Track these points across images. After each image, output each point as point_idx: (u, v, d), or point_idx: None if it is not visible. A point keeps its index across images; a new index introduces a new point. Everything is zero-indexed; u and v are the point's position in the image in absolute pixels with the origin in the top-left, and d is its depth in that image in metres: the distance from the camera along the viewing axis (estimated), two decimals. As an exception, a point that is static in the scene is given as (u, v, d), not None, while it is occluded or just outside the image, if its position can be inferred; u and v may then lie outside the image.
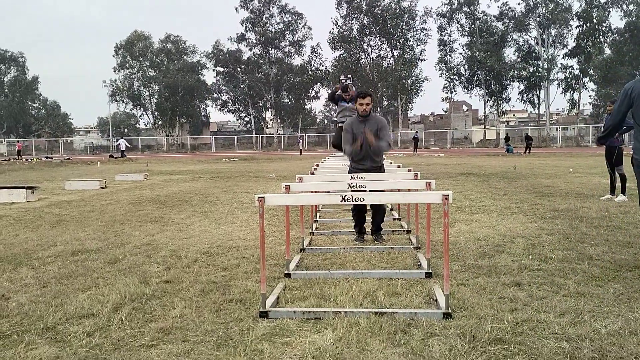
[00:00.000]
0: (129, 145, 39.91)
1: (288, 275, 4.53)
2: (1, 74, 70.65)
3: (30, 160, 36.01)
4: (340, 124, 7.64)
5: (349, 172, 6.02)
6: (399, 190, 5.79)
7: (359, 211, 6.05)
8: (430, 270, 4.48)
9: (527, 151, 35.11)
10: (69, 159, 38.79)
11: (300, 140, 53.32)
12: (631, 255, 4.99)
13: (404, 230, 6.64)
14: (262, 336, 3.18)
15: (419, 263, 4.89)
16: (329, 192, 4.86)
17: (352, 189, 4.76)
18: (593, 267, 4.59)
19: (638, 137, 4.58)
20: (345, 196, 3.67)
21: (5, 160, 37.48)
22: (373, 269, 4.71)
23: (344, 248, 5.58)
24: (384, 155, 6.34)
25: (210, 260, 5.23)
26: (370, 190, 4.62)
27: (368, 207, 6.14)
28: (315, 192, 5.26)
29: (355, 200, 3.67)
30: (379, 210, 6.02)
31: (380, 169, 6.05)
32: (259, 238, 3.75)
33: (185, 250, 5.70)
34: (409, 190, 5.35)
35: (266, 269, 4.09)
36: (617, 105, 4.79)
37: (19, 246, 6.06)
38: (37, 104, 75.91)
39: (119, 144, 41.53)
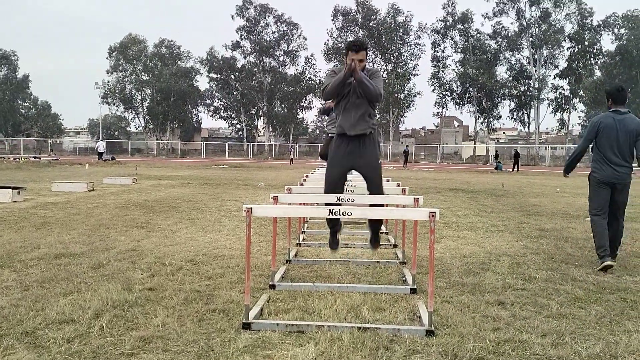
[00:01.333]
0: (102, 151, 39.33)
1: (273, 286, 4.51)
2: (-8, 72, 70.17)
3: (17, 159, 35.67)
4: (331, 135, 7.40)
5: (330, 140, 5.12)
6: (386, 205, 5.80)
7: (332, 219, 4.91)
8: (415, 287, 4.49)
9: (516, 168, 35.39)
10: (57, 159, 38.48)
11: (292, 150, 53.34)
12: (614, 278, 5.03)
13: (390, 245, 6.65)
14: (244, 348, 3.16)
15: (404, 278, 4.90)
16: (317, 204, 4.86)
17: (341, 202, 4.77)
18: (576, 288, 4.62)
19: (597, 160, 5.63)
20: (333, 210, 3.67)
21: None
22: (358, 283, 4.71)
23: (330, 260, 5.57)
24: (374, 120, 4.81)
25: (195, 268, 5.20)
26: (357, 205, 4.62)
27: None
28: (304, 204, 5.25)
29: (343, 214, 3.68)
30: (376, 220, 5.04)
31: (372, 137, 4.75)
32: (245, 248, 3.74)
33: (170, 257, 5.66)
34: (397, 205, 5.36)
35: (251, 280, 4.07)
36: (585, 135, 5.81)
37: (1, 247, 5.98)
38: (27, 103, 75.40)
39: (97, 147, 40.97)
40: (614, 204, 5.63)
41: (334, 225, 5.02)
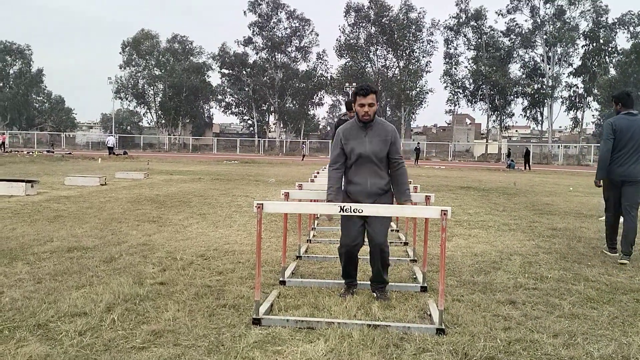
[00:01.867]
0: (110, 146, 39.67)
1: (283, 282, 4.52)
2: (7, 66, 70.85)
3: (31, 153, 36.02)
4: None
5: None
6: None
7: (347, 251, 4.20)
8: (426, 285, 4.47)
9: (527, 167, 35.14)
10: (70, 153, 38.80)
11: (304, 146, 53.24)
12: (627, 278, 4.99)
13: (401, 242, 6.64)
14: (254, 343, 3.17)
15: (414, 276, 4.88)
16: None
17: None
18: (589, 288, 4.58)
19: (611, 159, 5.84)
20: (343, 207, 3.66)
21: (6, 152, 37.50)
22: (368, 280, 4.69)
23: (341, 257, 5.56)
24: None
25: (205, 263, 5.22)
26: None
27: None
28: (314, 200, 5.25)
29: (354, 212, 3.66)
30: (379, 253, 4.14)
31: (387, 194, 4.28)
32: (255, 243, 3.75)
33: (182, 252, 5.69)
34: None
35: (261, 276, 4.08)
36: (604, 137, 5.92)
37: (15, 240, 6.05)
38: (41, 97, 76.15)
39: (107, 141, 41.05)
40: (626, 200, 5.89)
41: (351, 280, 4.33)
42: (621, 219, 6.00)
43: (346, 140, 4.18)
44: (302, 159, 43.43)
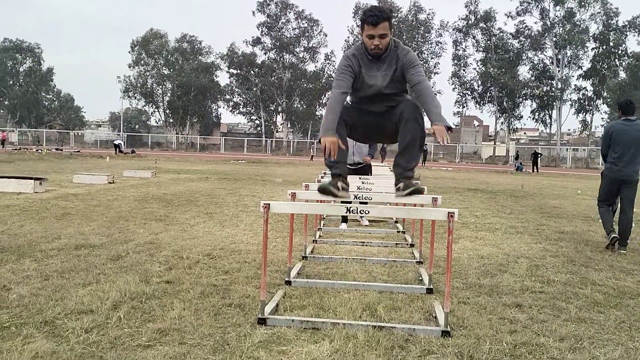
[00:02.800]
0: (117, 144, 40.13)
1: (289, 282, 4.52)
2: (17, 64, 71.36)
3: (40, 150, 36.25)
4: None
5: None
6: (404, 204, 5.77)
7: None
8: (432, 287, 4.46)
9: (535, 169, 34.96)
10: (78, 151, 39.02)
11: (313, 146, 52.98)
12: (635, 283, 4.95)
13: (407, 244, 6.63)
14: (259, 343, 3.17)
15: (420, 278, 4.87)
16: (334, 202, 4.85)
17: (359, 200, 4.76)
18: (595, 292, 4.56)
19: (609, 161, 6.71)
20: (350, 208, 3.66)
21: (15, 149, 37.76)
22: (374, 282, 4.70)
23: (347, 258, 5.57)
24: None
25: (212, 262, 5.24)
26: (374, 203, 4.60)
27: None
28: (321, 201, 5.25)
29: (360, 213, 3.66)
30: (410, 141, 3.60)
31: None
32: (262, 243, 3.75)
33: (188, 251, 5.71)
34: (415, 205, 5.34)
35: (267, 276, 4.08)
36: (602, 142, 6.99)
37: (23, 237, 6.09)
38: (50, 96, 76.63)
39: (119, 144, 41.11)
40: (623, 199, 6.68)
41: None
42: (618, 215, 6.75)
43: (354, 73, 3.58)
44: (311, 159, 43.40)
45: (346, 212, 3.68)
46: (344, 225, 7.71)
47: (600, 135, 64.50)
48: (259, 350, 3.07)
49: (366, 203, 4.66)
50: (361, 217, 7.13)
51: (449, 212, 3.44)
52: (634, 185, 6.61)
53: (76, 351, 2.96)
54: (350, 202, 4.31)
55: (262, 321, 3.49)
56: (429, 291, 4.41)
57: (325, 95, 66.68)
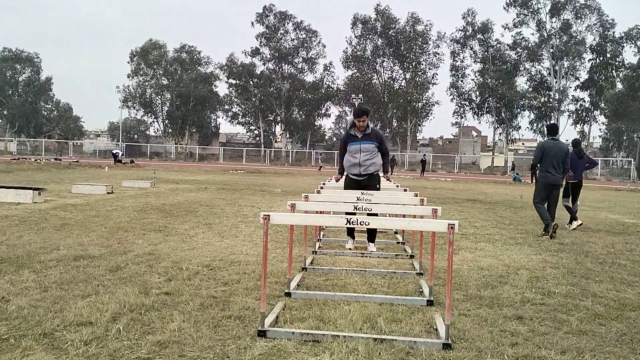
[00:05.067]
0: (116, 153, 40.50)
1: (288, 294, 4.50)
2: (16, 74, 71.53)
3: (39, 160, 36.22)
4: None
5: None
6: (404, 215, 5.77)
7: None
8: (432, 298, 4.44)
9: (534, 180, 34.96)
10: (77, 161, 39.00)
11: (320, 157, 52.72)
12: (635, 294, 4.94)
13: (407, 255, 6.61)
14: (259, 356, 3.16)
15: (421, 290, 4.85)
16: (334, 213, 4.85)
17: (358, 211, 4.77)
18: (596, 304, 4.55)
19: (542, 170, 8.96)
20: (350, 219, 3.66)
21: (14, 159, 37.73)
22: (374, 293, 4.68)
23: (346, 270, 5.55)
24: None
25: (211, 273, 5.22)
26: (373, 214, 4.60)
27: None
28: (321, 212, 5.25)
29: (361, 224, 3.66)
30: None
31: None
32: (261, 254, 3.74)
33: (187, 262, 5.69)
34: (414, 216, 5.33)
35: (267, 287, 4.07)
36: (535, 155, 9.19)
37: (22, 248, 6.07)
38: (49, 105, 76.76)
39: (117, 153, 41.21)
40: (551, 199, 9.00)
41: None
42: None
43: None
44: (319, 170, 43.48)
45: (346, 224, 3.68)
46: (349, 244, 7.01)
47: (598, 146, 64.95)
48: (260, 363, 3.05)
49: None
50: (369, 244, 6.82)
51: (449, 224, 3.44)
52: (559, 187, 8.96)
53: (75, 364, 2.94)
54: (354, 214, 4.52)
55: (262, 333, 3.47)
56: (430, 303, 4.39)
57: (324, 106, 66.88)
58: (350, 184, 6.84)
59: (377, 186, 6.79)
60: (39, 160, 36.11)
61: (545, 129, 9.06)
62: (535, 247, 7.49)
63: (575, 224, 9.75)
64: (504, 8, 57.39)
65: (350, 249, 6.83)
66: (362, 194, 5.75)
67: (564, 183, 9.42)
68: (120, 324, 3.58)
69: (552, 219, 8.78)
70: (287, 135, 68.32)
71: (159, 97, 68.60)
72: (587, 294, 4.90)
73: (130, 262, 5.57)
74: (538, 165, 9.01)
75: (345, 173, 7.08)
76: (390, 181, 8.31)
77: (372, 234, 6.85)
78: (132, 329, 3.53)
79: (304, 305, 4.22)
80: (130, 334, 3.43)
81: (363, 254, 6.56)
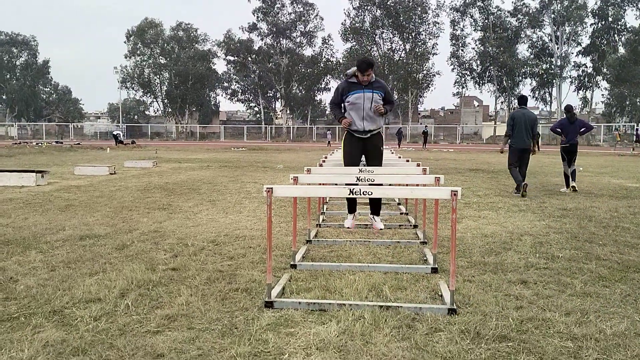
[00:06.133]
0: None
1: (294, 266, 4.54)
2: (13, 58, 71.03)
3: (40, 144, 36.23)
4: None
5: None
6: (407, 184, 5.77)
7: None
8: (436, 266, 4.47)
9: (537, 147, 34.82)
10: (78, 144, 38.99)
11: (329, 133, 52.32)
12: (639, 257, 4.96)
13: (410, 225, 6.63)
14: (267, 326, 3.20)
15: (425, 258, 4.89)
16: (336, 184, 4.86)
17: (361, 182, 4.78)
18: (600, 267, 4.57)
19: (514, 137, 9.87)
20: (353, 189, 3.66)
21: (15, 143, 37.74)
22: (379, 263, 4.72)
23: (350, 241, 5.58)
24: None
25: (216, 249, 5.25)
26: (377, 184, 4.60)
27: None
28: (324, 184, 5.26)
29: (363, 194, 3.66)
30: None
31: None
32: (266, 228, 3.76)
33: (192, 238, 5.72)
34: (417, 185, 5.34)
35: (272, 260, 4.10)
36: (508, 123, 10.06)
37: (27, 229, 6.11)
38: (48, 89, 76.41)
39: (117, 134, 41.03)
40: (522, 161, 9.92)
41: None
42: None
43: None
44: (328, 145, 43.29)
45: (349, 194, 3.69)
46: (349, 222, 5.84)
47: (601, 112, 64.60)
48: (267, 332, 3.09)
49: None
50: (373, 217, 6.02)
51: (452, 191, 3.44)
52: (528, 151, 9.92)
53: (86, 339, 2.99)
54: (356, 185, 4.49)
55: (269, 304, 3.51)
56: (434, 270, 4.42)
57: (323, 80, 66.32)
58: (353, 143, 5.71)
59: (381, 148, 5.85)
60: (40, 144, 36.11)
61: (517, 99, 10.09)
62: (539, 214, 7.51)
63: (564, 189, 10.47)
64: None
65: (349, 227, 5.82)
66: (365, 165, 5.74)
67: (537, 149, 10.56)
68: (129, 299, 3.62)
69: (523, 179, 9.75)
70: (288, 111, 68.01)
71: (158, 76, 68.15)
72: (591, 257, 4.93)
73: (136, 240, 5.60)
74: (510, 133, 9.85)
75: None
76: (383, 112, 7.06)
77: (376, 206, 5.76)
78: (141, 304, 3.57)
79: (310, 277, 4.26)
80: (139, 309, 3.47)
81: (367, 225, 6.56)
